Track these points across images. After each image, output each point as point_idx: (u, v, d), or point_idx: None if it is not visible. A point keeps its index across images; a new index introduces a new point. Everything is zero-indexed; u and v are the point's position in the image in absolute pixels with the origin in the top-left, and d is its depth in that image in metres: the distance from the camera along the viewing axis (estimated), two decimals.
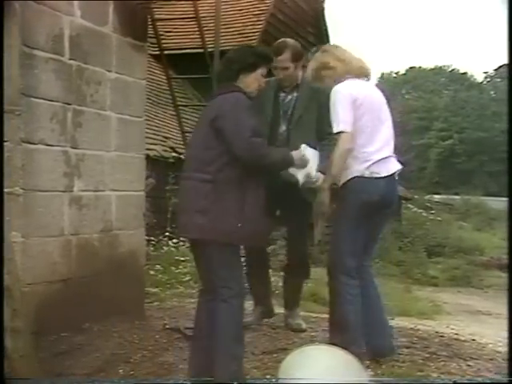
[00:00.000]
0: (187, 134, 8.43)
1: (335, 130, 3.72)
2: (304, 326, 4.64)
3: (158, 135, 10.43)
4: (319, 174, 4.25)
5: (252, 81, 3.31)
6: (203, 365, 3.24)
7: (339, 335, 3.72)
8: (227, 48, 8.83)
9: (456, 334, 5.01)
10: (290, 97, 4.45)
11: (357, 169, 3.76)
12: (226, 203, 3.09)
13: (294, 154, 3.39)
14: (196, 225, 3.13)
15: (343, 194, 3.80)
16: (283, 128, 4.40)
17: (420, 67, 54.31)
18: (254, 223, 3.13)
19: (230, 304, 3.16)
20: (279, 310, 4.91)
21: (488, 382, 3.60)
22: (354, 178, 3.75)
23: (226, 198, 3.10)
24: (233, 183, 3.11)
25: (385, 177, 3.79)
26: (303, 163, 3.46)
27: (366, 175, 3.74)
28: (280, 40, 4.54)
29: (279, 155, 3.36)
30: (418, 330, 4.96)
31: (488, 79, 52.55)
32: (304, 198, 4.50)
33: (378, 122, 3.83)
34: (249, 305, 5.53)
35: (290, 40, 4.52)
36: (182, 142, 9.35)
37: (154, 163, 8.09)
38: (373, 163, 3.76)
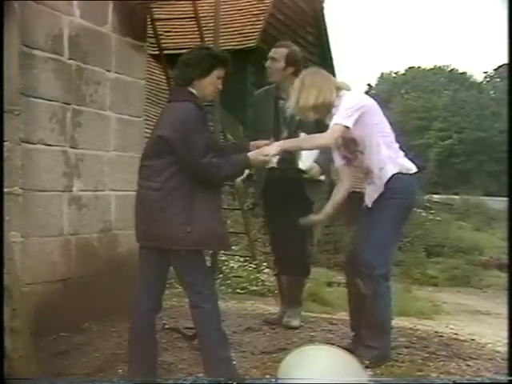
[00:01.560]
0: None
1: (337, 121, 3.59)
2: (293, 323, 4.60)
3: None
4: (314, 164, 4.28)
5: (207, 85, 3.22)
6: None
7: (375, 337, 3.73)
8: (227, 48, 8.86)
9: (455, 333, 5.00)
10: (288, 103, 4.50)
11: (395, 163, 3.73)
12: (174, 209, 3.07)
13: (252, 154, 3.27)
14: (150, 233, 3.14)
15: (387, 198, 3.71)
16: (285, 134, 4.43)
17: (419, 67, 54.31)
18: (203, 226, 3.09)
19: (204, 309, 3.17)
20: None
21: (487, 381, 3.59)
22: (395, 175, 3.70)
23: (174, 204, 3.08)
24: (181, 189, 3.09)
25: (414, 174, 3.81)
26: (264, 162, 3.35)
27: (404, 172, 3.74)
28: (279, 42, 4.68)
29: (230, 169, 3.21)
30: (418, 329, 4.95)
31: (487, 79, 52.57)
32: (306, 197, 4.52)
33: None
34: (249, 304, 5.55)
35: (288, 42, 4.67)
36: None
37: None
38: (403, 158, 3.79)
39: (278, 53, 4.48)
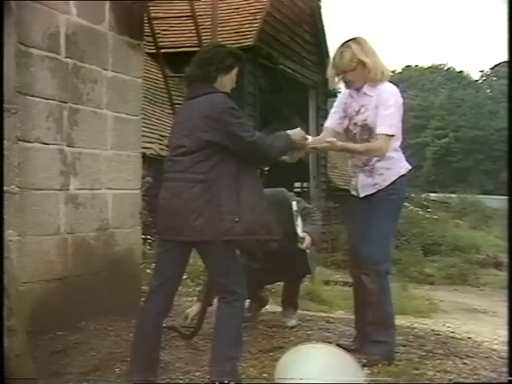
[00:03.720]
0: None
1: (388, 131, 3.70)
2: (290, 323, 4.62)
3: (155, 134, 10.41)
4: (305, 234, 4.42)
5: (228, 81, 3.28)
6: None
7: (383, 331, 3.76)
8: None
9: (452, 332, 5.01)
10: None
11: (402, 165, 3.82)
12: (220, 200, 3.04)
13: (292, 133, 3.38)
14: (192, 226, 3.05)
15: (387, 194, 3.76)
16: None
17: (416, 66, 54.37)
18: (250, 214, 3.08)
19: (233, 306, 3.17)
20: (278, 308, 4.93)
21: (487, 382, 3.59)
22: (402, 176, 3.78)
23: (220, 195, 3.05)
24: (225, 179, 3.08)
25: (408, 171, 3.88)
26: (302, 141, 3.46)
27: (405, 172, 3.82)
28: None
29: (279, 142, 3.29)
30: (414, 328, 4.96)
31: (484, 78, 52.67)
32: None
33: None
34: (246, 303, 5.54)
35: None
36: None
37: (150, 162, 8.07)
38: (404, 159, 3.87)
39: None
